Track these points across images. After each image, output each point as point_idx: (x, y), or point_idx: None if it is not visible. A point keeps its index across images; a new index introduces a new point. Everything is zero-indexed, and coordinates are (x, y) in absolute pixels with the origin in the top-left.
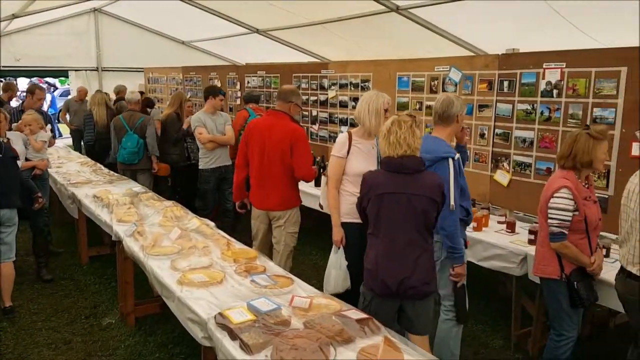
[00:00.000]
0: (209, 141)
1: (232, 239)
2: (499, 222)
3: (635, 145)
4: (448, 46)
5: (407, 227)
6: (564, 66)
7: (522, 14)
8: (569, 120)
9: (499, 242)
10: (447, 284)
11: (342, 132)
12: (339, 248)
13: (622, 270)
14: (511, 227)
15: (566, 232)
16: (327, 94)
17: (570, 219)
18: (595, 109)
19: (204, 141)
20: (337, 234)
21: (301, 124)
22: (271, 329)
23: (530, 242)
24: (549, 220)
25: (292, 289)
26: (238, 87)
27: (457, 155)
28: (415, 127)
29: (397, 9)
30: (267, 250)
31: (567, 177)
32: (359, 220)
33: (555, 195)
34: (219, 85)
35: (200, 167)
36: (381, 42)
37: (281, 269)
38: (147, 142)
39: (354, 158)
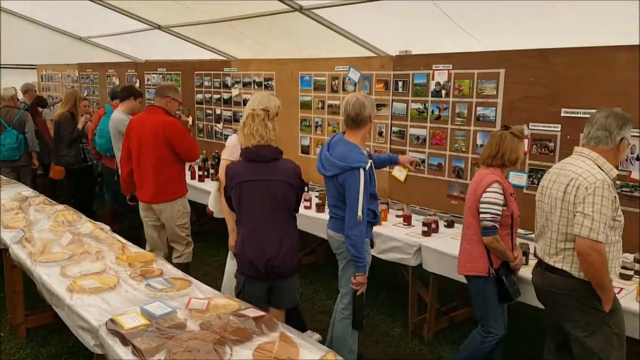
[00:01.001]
0: None
1: (128, 243)
2: (397, 216)
3: None
4: (350, 46)
5: (267, 211)
6: (451, 68)
7: (418, 16)
8: (456, 118)
9: (396, 235)
10: (348, 283)
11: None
12: (235, 253)
13: (540, 263)
14: (407, 220)
15: (498, 226)
16: (230, 92)
17: (501, 213)
18: (478, 108)
19: None
20: (234, 239)
21: (204, 122)
22: (165, 333)
23: (424, 233)
24: (482, 215)
25: (190, 291)
26: (137, 84)
27: (369, 164)
28: (268, 120)
29: (300, 9)
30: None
31: (495, 173)
32: None
33: (488, 189)
34: (117, 82)
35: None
36: (287, 42)
37: (180, 272)
38: (27, 137)
39: None
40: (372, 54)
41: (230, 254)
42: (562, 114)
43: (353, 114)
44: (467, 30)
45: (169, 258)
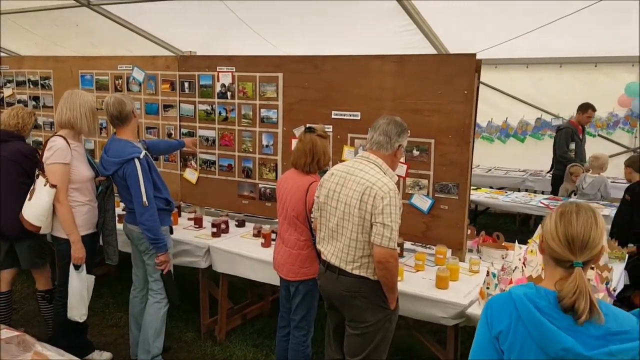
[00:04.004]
0: None
1: None
2: (188, 219)
3: (294, 141)
4: (148, 45)
5: None
6: (234, 70)
7: (216, 20)
8: (242, 120)
9: (185, 238)
10: (155, 270)
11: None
12: (80, 266)
13: (331, 267)
14: (198, 223)
15: None
16: (2, 93)
17: None
18: (262, 110)
19: None
20: (80, 250)
21: None
22: None
23: (214, 234)
24: None
25: None
26: None
27: (143, 154)
28: (27, 114)
29: (88, 4)
30: None
31: (317, 180)
32: (92, 230)
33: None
34: None
35: None
36: (80, 40)
37: None
38: None
39: (78, 163)
40: (171, 54)
41: (73, 269)
42: (333, 116)
43: (116, 113)
44: (265, 37)
45: None
